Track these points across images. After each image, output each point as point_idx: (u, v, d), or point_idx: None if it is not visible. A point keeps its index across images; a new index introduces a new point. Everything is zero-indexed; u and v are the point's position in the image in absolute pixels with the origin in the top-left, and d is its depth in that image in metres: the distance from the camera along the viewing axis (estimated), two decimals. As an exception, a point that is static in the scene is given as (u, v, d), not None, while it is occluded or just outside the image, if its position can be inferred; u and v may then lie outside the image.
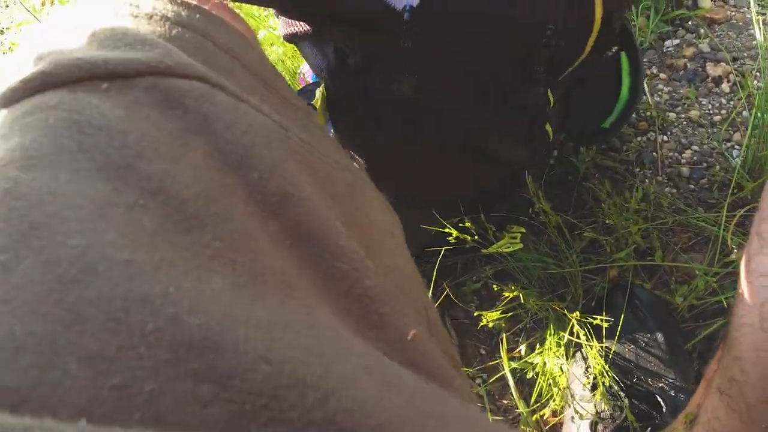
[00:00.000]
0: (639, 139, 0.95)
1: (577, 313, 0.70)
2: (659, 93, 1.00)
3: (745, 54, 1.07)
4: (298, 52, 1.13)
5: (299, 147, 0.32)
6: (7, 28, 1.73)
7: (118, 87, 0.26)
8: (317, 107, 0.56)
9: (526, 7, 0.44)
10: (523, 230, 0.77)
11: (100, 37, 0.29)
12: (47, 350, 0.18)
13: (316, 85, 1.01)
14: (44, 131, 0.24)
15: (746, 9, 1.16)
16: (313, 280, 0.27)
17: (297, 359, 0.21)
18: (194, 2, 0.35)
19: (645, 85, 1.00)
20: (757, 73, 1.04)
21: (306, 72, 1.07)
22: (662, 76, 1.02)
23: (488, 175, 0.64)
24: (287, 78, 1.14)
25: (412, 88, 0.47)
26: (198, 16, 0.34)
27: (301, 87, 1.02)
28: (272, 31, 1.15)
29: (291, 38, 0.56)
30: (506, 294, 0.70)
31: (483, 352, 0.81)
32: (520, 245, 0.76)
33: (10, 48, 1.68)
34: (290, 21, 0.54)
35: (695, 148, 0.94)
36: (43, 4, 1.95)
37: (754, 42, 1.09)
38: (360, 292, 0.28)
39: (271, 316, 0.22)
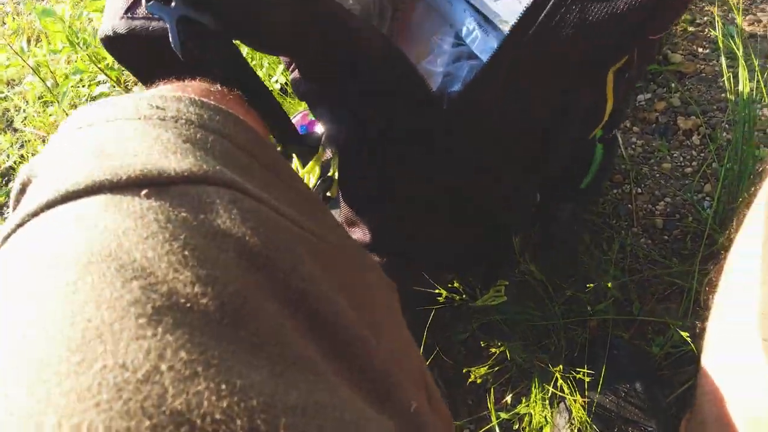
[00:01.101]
0: (615, 191, 0.99)
1: (561, 366, 0.73)
2: (633, 146, 1.05)
3: (715, 107, 1.13)
4: (288, 104, 1.16)
5: (312, 242, 0.35)
6: (-8, 71, 1.75)
7: (155, 194, 0.29)
8: (334, 178, 0.58)
9: (554, 105, 0.48)
10: (507, 283, 0.80)
11: (136, 145, 0.32)
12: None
13: (305, 136, 1.04)
14: (85, 238, 0.26)
15: (715, 62, 1.22)
16: (332, 362, 0.30)
17: None
18: (213, 102, 0.38)
19: (619, 139, 1.05)
20: (726, 126, 1.09)
21: (295, 122, 1.11)
22: (635, 129, 1.07)
23: (483, 236, 0.68)
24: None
25: (436, 163, 0.49)
26: (218, 117, 0.37)
27: (290, 141, 1.06)
28: (261, 83, 1.19)
29: (305, 96, 0.57)
30: (493, 350, 0.73)
31: (470, 402, 0.84)
32: (504, 298, 0.79)
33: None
34: (305, 80, 0.55)
35: (668, 199, 0.98)
36: (28, 42, 1.97)
37: (723, 95, 1.15)
38: (370, 371, 0.32)
39: (305, 402, 0.25)
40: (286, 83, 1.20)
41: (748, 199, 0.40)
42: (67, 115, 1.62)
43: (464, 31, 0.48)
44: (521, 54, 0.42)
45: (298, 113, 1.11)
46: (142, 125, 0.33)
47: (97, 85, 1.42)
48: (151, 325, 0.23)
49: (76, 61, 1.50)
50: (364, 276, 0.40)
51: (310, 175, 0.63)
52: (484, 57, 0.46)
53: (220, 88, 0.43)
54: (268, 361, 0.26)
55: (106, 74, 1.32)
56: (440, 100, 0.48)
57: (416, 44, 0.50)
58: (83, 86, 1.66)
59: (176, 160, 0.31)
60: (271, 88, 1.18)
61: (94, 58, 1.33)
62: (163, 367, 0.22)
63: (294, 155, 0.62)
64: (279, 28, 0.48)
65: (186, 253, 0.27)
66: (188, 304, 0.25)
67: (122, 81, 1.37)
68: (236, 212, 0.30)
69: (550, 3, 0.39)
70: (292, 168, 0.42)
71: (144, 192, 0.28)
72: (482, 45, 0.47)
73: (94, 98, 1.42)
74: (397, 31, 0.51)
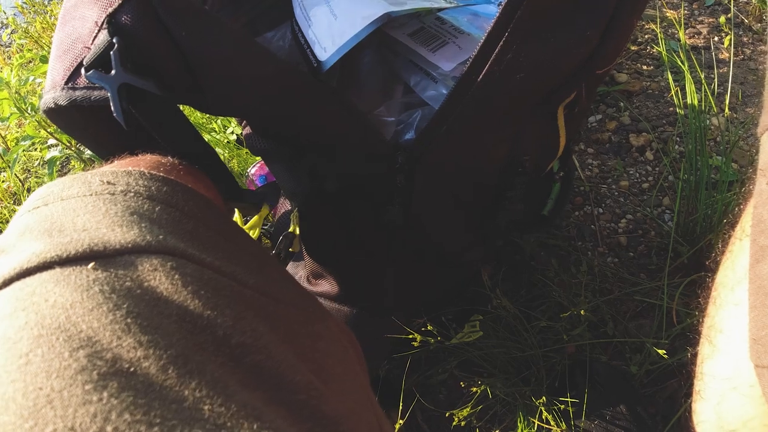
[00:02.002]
0: (576, 213, 1.00)
1: (544, 398, 0.72)
2: (589, 167, 1.06)
3: (664, 121, 1.15)
4: (245, 154, 1.15)
5: (256, 299, 0.37)
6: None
7: (102, 266, 0.31)
8: (295, 234, 0.58)
9: (507, 146, 0.48)
10: (481, 317, 0.80)
11: (86, 220, 0.34)
12: None
13: (265, 187, 1.03)
14: (36, 312, 0.29)
15: (660, 78, 1.25)
16: (278, 410, 0.31)
17: None
18: (162, 174, 0.41)
19: (576, 162, 1.06)
20: (677, 138, 1.12)
21: (253, 173, 1.09)
22: (590, 150, 1.09)
23: (451, 278, 0.67)
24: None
25: (396, 215, 0.49)
26: (165, 188, 0.39)
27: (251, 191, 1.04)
28: (215, 135, 1.18)
29: (259, 153, 0.57)
30: (473, 389, 0.72)
31: (456, 442, 0.82)
32: (480, 333, 0.78)
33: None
34: (258, 137, 0.55)
35: (629, 216, 0.99)
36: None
37: (671, 109, 1.18)
38: (319, 415, 0.33)
39: None
40: (242, 133, 1.19)
41: (733, 219, 0.40)
42: (19, 180, 1.58)
43: (413, 79, 0.48)
44: (472, 100, 0.42)
45: (257, 163, 1.10)
46: (93, 201, 0.36)
47: (48, 149, 1.39)
48: (97, 391, 0.26)
49: (25, 126, 1.47)
50: (312, 328, 0.42)
51: (254, 230, 0.63)
52: (435, 104, 0.46)
53: (171, 160, 0.46)
54: (210, 413, 0.27)
55: (56, 138, 1.29)
56: (395, 148, 0.47)
57: (366, 95, 0.50)
58: (35, 149, 1.63)
59: (122, 233, 0.33)
60: (226, 140, 1.17)
61: (43, 123, 1.30)
62: (109, 428, 0.24)
63: (237, 210, 0.62)
64: (228, 93, 0.47)
65: (129, 320, 0.29)
66: (132, 369, 0.27)
67: (73, 143, 1.34)
68: (178, 278, 0.33)
69: (497, 49, 0.39)
70: (238, 227, 0.44)
71: (91, 265, 0.31)
72: (432, 92, 0.47)
73: (46, 162, 1.39)
74: (346, 83, 0.51)
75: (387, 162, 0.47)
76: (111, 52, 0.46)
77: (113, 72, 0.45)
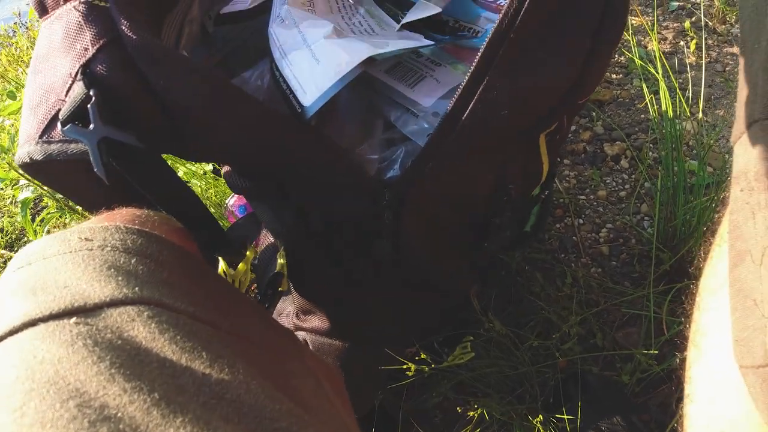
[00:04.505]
0: (558, 225, 1.01)
1: (540, 416, 0.72)
2: (567, 179, 1.07)
3: (637, 128, 1.17)
4: (222, 185, 1.14)
5: (230, 340, 0.39)
6: None
7: (83, 321, 0.34)
8: (283, 273, 0.57)
9: (492, 178, 0.48)
10: (472, 338, 0.80)
11: (66, 277, 0.37)
12: None
13: (246, 219, 1.02)
14: (26, 368, 0.31)
15: (630, 85, 1.27)
16: None
17: None
18: (137, 227, 0.43)
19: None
20: (651, 145, 1.13)
21: (232, 204, 1.09)
22: (566, 162, 1.10)
23: (442, 305, 0.67)
24: (212, 209, 1.14)
25: (385, 249, 0.49)
26: (141, 240, 0.42)
27: (231, 224, 1.03)
28: (190, 167, 1.17)
29: (242, 192, 0.56)
30: (471, 413, 0.71)
31: (456, 464, 0.82)
32: (472, 354, 0.78)
33: None
34: (240, 177, 0.54)
35: (610, 225, 1.01)
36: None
37: (643, 116, 1.20)
38: None
39: None
40: (221, 169, 1.18)
41: (712, 226, 0.41)
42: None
43: (393, 115, 0.48)
44: (457, 137, 0.42)
45: (236, 195, 1.09)
46: (72, 258, 0.38)
47: (21, 189, 1.37)
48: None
49: (-6, 167, 1.44)
50: (285, 366, 0.44)
51: (242, 276, 0.62)
52: (417, 138, 0.46)
53: (146, 212, 0.48)
54: None
55: (27, 179, 1.27)
56: (381, 185, 0.47)
57: (346, 132, 0.50)
58: (8, 188, 1.60)
59: (100, 287, 0.36)
60: (203, 171, 1.16)
61: (14, 164, 1.28)
62: None
63: (221, 258, 0.62)
64: (208, 138, 0.47)
65: (113, 371, 0.31)
66: (119, 414, 0.29)
67: (46, 182, 1.32)
68: (154, 326, 0.35)
69: (480, 87, 0.40)
70: (213, 273, 0.47)
71: (73, 320, 0.33)
72: (414, 127, 0.47)
73: (19, 202, 1.37)
74: (325, 122, 0.51)
75: (373, 200, 0.47)
76: (88, 105, 0.45)
77: (92, 126, 0.45)
